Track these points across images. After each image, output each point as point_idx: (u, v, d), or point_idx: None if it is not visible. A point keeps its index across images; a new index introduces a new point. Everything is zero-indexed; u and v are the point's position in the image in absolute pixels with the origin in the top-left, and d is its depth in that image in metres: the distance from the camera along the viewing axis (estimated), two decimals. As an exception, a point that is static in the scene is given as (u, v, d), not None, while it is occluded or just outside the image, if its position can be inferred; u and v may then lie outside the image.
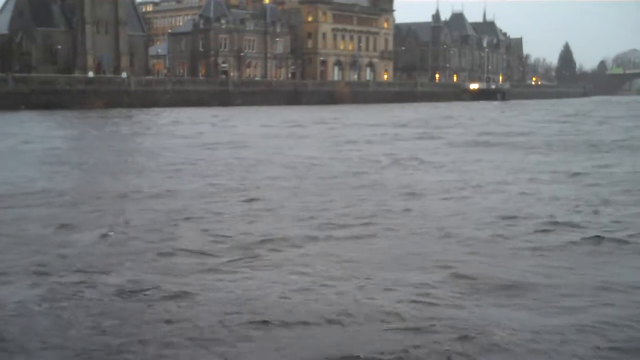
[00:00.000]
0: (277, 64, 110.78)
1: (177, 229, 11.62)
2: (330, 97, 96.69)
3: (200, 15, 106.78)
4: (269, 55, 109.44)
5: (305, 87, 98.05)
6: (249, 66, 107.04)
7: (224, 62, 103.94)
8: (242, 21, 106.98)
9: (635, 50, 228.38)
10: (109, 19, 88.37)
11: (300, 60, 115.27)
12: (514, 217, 12.51)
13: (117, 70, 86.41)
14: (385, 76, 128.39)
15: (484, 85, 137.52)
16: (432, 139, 32.94)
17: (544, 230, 11.46)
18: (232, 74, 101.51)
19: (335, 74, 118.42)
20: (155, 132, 38.65)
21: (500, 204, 14.02)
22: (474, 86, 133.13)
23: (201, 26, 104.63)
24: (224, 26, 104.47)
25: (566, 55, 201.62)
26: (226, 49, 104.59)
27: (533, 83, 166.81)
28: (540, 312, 7.50)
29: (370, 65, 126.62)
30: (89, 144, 30.51)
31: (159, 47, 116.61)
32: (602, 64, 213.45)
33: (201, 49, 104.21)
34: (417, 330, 6.93)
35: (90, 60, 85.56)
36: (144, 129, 41.04)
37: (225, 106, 78.39)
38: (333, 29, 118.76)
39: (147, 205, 13.91)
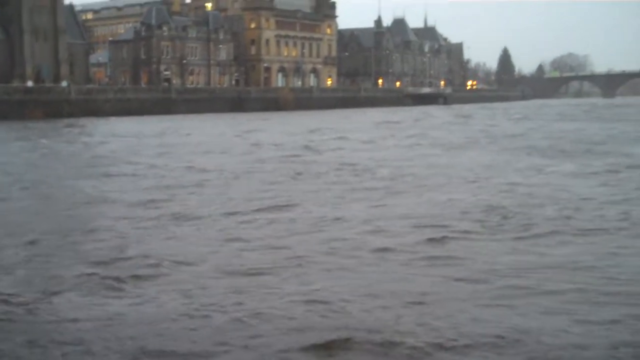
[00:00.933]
0: (221, 71, 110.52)
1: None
2: (274, 103, 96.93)
3: (142, 23, 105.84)
4: (212, 62, 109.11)
5: (249, 94, 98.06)
6: (192, 73, 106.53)
7: (166, 70, 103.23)
8: (185, 28, 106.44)
9: (571, 54, 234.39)
10: (48, 27, 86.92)
11: (244, 67, 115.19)
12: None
13: (56, 79, 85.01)
14: (329, 82, 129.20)
15: (426, 90, 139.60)
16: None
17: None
18: (174, 81, 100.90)
19: (279, 81, 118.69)
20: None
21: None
22: (416, 91, 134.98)
23: (143, 34, 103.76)
24: (166, 33, 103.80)
25: (505, 59, 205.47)
26: (168, 57, 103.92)
27: (468, 87, 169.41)
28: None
29: (314, 71, 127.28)
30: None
31: (100, 55, 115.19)
32: (540, 67, 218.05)
33: (143, 57, 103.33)
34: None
35: (28, 70, 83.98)
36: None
37: (168, 114, 77.88)
38: (276, 36, 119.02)
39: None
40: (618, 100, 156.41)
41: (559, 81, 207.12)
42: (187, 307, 8.30)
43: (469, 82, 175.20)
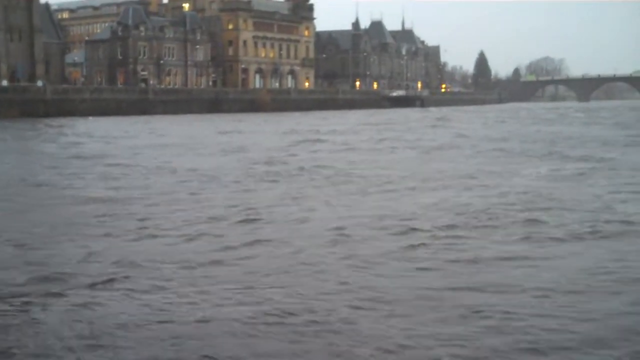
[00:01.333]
0: (198, 71, 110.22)
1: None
2: (251, 105, 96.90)
3: (119, 23, 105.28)
4: (189, 63, 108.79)
5: (226, 95, 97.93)
6: (169, 74, 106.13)
7: (143, 70, 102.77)
8: (162, 28, 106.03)
9: (547, 57, 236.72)
10: (23, 26, 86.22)
11: (221, 68, 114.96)
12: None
13: (32, 78, 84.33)
14: (307, 84, 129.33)
15: (404, 93, 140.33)
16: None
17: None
18: (151, 82, 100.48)
19: (256, 82, 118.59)
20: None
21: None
22: (394, 93, 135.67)
23: (119, 33, 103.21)
24: (142, 33, 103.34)
25: (482, 63, 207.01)
26: (145, 57, 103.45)
27: (442, 90, 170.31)
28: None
29: (292, 72, 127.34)
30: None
31: (76, 55, 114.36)
32: (517, 71, 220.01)
33: (119, 57, 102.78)
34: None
35: (3, 69, 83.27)
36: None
37: (144, 115, 77.62)
38: (254, 37, 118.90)
39: None
40: (593, 104, 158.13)
41: (535, 85, 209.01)
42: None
43: (442, 86, 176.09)
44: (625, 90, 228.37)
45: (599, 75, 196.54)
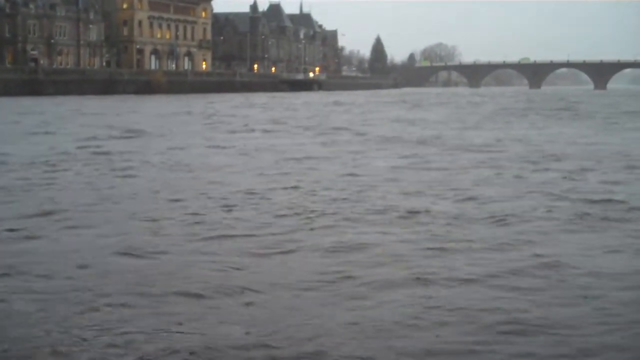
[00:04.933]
0: (91, 52, 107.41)
1: None
2: (147, 86, 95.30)
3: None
4: (82, 42, 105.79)
5: (121, 76, 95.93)
6: (60, 54, 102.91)
7: (33, 50, 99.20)
8: (53, 6, 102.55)
9: (441, 44, 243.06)
10: None
11: (116, 48, 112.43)
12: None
13: None
14: (204, 66, 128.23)
15: (301, 76, 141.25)
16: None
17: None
18: (42, 61, 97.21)
19: (152, 63, 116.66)
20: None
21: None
22: (291, 77, 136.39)
23: (7, 10, 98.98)
24: (32, 11, 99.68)
25: (378, 48, 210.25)
26: (35, 35, 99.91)
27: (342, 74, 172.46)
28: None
29: (189, 54, 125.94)
30: None
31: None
32: (412, 56, 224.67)
33: (7, 35, 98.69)
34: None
35: None
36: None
37: (35, 95, 75.19)
38: (149, 17, 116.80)
39: None
40: (482, 90, 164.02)
41: (429, 70, 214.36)
42: None
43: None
44: (514, 77, 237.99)
45: (489, 62, 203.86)
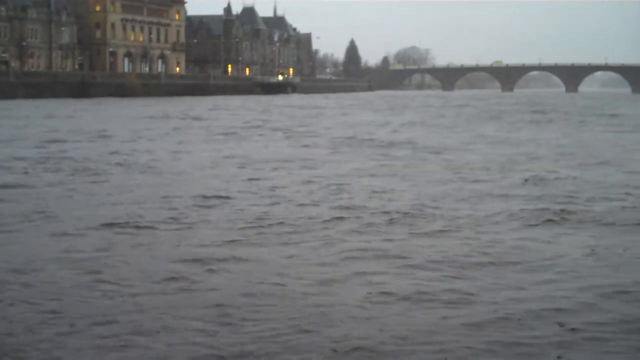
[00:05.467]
0: (63, 54, 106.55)
1: None
2: (120, 89, 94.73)
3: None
4: (54, 45, 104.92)
5: (93, 79, 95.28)
6: (32, 56, 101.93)
7: (4, 52, 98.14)
8: (24, 8, 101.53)
9: (414, 47, 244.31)
10: None
11: (88, 51, 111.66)
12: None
13: None
14: (178, 69, 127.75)
15: (275, 79, 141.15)
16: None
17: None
18: (13, 64, 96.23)
19: (125, 66, 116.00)
20: None
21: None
22: (265, 80, 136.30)
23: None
24: (3, 13, 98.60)
25: (352, 51, 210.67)
26: (6, 38, 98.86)
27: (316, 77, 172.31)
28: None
29: (162, 57, 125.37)
30: None
31: None
32: (385, 59, 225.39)
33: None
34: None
35: None
36: None
37: (5, 99, 74.43)
38: (122, 19, 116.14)
39: None
40: (455, 93, 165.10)
41: (402, 73, 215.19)
42: None
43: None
44: (486, 80, 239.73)
45: (463, 65, 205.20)
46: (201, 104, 73.95)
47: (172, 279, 9.01)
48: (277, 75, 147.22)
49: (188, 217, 12.92)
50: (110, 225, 12.13)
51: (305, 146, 27.73)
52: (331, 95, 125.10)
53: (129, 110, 57.62)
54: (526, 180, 17.65)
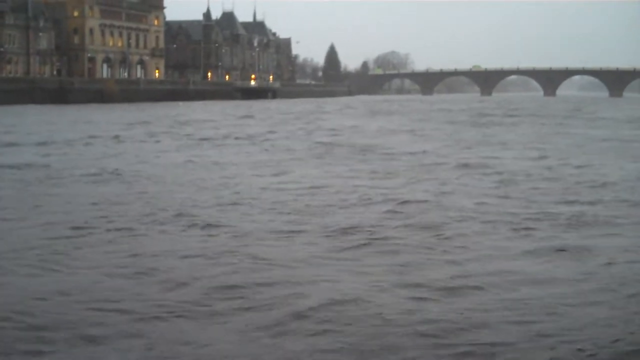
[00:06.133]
0: (41, 60, 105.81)
1: None
2: (99, 95, 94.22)
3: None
4: (31, 51, 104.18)
5: (72, 85, 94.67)
6: (9, 62, 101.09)
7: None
8: (1, 14, 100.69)
9: (394, 52, 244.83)
10: None
11: (67, 56, 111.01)
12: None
13: None
14: (157, 74, 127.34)
15: (256, 84, 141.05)
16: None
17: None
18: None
19: (104, 72, 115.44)
20: None
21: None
22: (245, 85, 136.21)
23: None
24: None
25: (332, 56, 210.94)
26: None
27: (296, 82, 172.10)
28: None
29: (141, 62, 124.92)
30: None
31: None
32: (365, 64, 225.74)
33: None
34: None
35: None
36: None
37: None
38: (101, 25, 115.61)
39: None
40: (435, 97, 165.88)
41: (382, 78, 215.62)
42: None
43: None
44: (465, 84, 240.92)
45: (442, 70, 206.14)
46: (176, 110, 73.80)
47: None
48: (250, 80, 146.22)
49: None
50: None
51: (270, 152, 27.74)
52: (312, 100, 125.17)
53: (105, 117, 57.33)
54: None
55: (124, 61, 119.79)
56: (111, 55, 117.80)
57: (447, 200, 15.25)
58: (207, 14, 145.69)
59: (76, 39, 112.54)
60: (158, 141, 32.69)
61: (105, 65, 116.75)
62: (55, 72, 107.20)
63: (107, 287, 8.81)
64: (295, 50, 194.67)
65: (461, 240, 11.33)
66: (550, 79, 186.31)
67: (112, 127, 42.00)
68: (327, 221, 12.85)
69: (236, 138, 34.60)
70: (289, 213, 13.73)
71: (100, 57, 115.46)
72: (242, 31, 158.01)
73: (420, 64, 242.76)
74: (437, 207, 14.29)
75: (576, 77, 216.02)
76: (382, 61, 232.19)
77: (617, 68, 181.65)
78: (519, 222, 12.67)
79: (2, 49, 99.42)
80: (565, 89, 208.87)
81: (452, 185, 17.64)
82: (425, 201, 14.98)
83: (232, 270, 9.59)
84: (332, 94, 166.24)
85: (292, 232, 12.02)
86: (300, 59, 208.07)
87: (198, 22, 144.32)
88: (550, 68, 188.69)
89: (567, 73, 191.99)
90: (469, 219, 13.02)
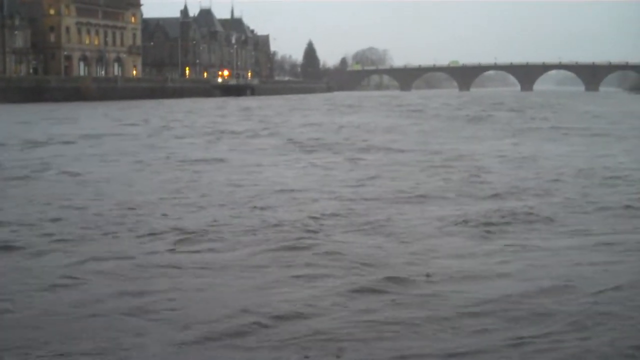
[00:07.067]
0: (17, 59, 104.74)
1: None
2: (76, 93, 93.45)
3: None
4: (7, 49, 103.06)
5: (48, 84, 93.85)
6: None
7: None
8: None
9: (372, 48, 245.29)
10: None
11: (43, 55, 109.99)
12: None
13: None
14: (134, 72, 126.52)
15: (234, 81, 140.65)
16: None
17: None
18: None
19: (81, 70, 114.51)
20: None
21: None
22: (224, 82, 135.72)
23: None
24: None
25: (310, 52, 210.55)
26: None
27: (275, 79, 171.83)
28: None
29: (118, 60, 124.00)
30: None
31: None
32: (344, 61, 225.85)
33: None
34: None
35: None
36: None
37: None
38: (77, 23, 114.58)
39: None
40: (413, 93, 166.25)
41: (361, 74, 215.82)
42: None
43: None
44: (444, 80, 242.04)
45: (420, 66, 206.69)
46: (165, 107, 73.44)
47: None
48: (236, 78, 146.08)
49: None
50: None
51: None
52: (291, 97, 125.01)
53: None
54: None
55: (101, 59, 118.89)
56: (88, 54, 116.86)
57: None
58: (184, 11, 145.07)
59: (52, 37, 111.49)
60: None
61: (82, 64, 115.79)
62: (31, 71, 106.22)
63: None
64: (273, 47, 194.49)
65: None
66: (527, 74, 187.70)
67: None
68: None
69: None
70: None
71: (76, 55, 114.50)
72: (219, 28, 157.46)
73: (399, 60, 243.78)
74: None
75: (553, 72, 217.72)
76: (360, 57, 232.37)
77: (593, 63, 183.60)
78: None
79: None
80: (542, 84, 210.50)
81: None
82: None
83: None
84: (311, 91, 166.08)
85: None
86: (279, 56, 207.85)
87: (175, 19, 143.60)
88: (527, 63, 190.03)
89: (544, 68, 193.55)
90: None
